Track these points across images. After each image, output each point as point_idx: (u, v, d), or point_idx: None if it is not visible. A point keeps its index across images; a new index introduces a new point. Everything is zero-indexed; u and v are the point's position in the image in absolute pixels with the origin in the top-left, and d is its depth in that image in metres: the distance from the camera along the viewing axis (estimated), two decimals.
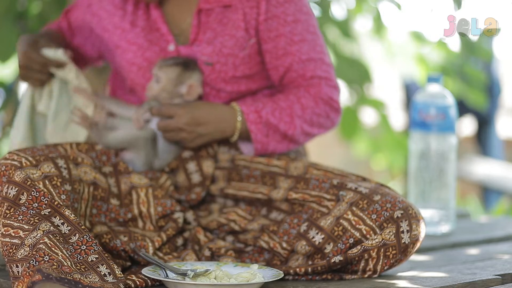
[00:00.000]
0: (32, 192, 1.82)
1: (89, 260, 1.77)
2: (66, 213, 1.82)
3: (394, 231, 1.89)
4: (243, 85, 2.16)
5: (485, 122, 5.88)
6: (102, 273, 1.76)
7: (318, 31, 2.20)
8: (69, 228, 1.81)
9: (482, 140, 5.99)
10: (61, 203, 1.83)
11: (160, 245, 1.98)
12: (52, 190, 1.85)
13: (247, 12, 2.12)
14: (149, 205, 2.02)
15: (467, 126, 6.35)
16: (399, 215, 1.90)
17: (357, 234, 1.91)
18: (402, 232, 1.89)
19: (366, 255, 1.90)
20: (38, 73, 2.13)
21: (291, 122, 2.12)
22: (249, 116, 2.10)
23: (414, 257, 2.16)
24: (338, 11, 4.01)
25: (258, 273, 1.84)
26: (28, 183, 1.83)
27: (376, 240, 1.89)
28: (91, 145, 2.05)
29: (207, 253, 1.99)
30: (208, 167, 2.12)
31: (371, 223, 1.91)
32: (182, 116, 2.06)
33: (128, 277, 1.83)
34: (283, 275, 1.85)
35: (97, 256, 1.78)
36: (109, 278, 1.76)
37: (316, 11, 3.86)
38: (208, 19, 2.13)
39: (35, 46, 2.13)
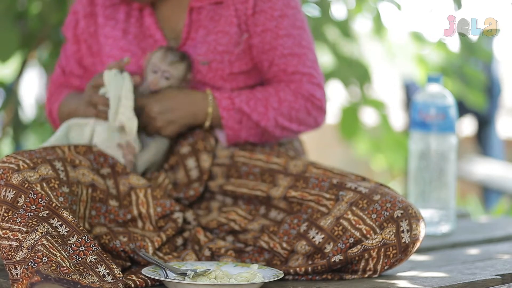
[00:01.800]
0: (30, 195, 1.82)
1: (88, 261, 1.77)
2: (64, 214, 1.82)
3: (394, 231, 1.89)
4: (241, 82, 2.16)
5: (485, 122, 5.89)
6: (101, 274, 1.76)
7: (306, 25, 2.19)
8: (67, 229, 1.81)
9: (482, 140, 5.99)
10: (59, 205, 1.83)
11: (159, 245, 1.98)
12: (49, 192, 1.85)
13: (239, 8, 2.12)
14: (148, 205, 2.02)
15: (467, 126, 6.36)
16: (399, 215, 1.90)
17: (357, 234, 1.91)
18: (402, 231, 1.89)
19: (366, 254, 1.90)
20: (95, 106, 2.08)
21: (265, 113, 2.12)
22: (222, 102, 2.10)
23: (414, 257, 2.16)
24: (338, 11, 4.01)
25: (258, 273, 1.84)
26: (25, 186, 1.83)
27: (376, 240, 1.89)
28: (89, 147, 2.05)
29: (207, 253, 1.99)
30: (205, 161, 2.11)
31: (371, 223, 1.91)
32: (153, 105, 2.07)
33: (128, 277, 1.83)
34: (283, 275, 1.85)
35: (96, 256, 1.78)
36: (108, 279, 1.76)
37: (316, 11, 3.86)
38: (199, 17, 2.13)
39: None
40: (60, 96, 2.26)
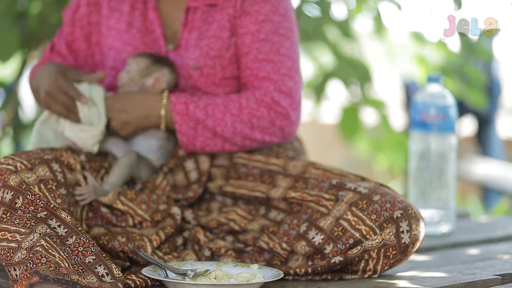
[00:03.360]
0: (28, 196, 1.82)
1: (87, 261, 1.77)
2: (63, 215, 1.82)
3: (394, 231, 1.89)
4: (234, 86, 2.14)
5: (485, 122, 5.88)
6: (100, 274, 1.76)
7: (292, 35, 2.14)
8: (66, 230, 1.81)
9: (482, 140, 5.99)
10: (56, 206, 1.83)
11: (158, 244, 1.98)
12: (47, 194, 1.85)
13: (229, 12, 2.11)
14: (135, 211, 2.01)
15: (467, 126, 6.35)
16: (399, 215, 1.90)
17: (357, 235, 1.91)
18: (402, 232, 1.89)
19: (366, 255, 1.89)
20: (59, 104, 2.04)
21: (221, 119, 2.06)
22: (176, 107, 2.06)
23: (414, 257, 2.16)
24: (338, 11, 4.01)
25: (258, 273, 1.84)
26: (23, 187, 1.83)
27: (376, 241, 1.89)
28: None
29: (207, 253, 1.99)
30: (203, 163, 2.11)
31: (371, 223, 1.91)
32: (107, 106, 2.05)
33: (128, 277, 1.83)
34: (283, 275, 1.85)
35: (94, 257, 1.78)
36: (107, 279, 1.76)
37: (316, 11, 3.86)
38: (194, 17, 2.13)
39: (65, 75, 2.05)
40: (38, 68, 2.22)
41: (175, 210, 2.03)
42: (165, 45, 2.14)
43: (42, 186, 1.86)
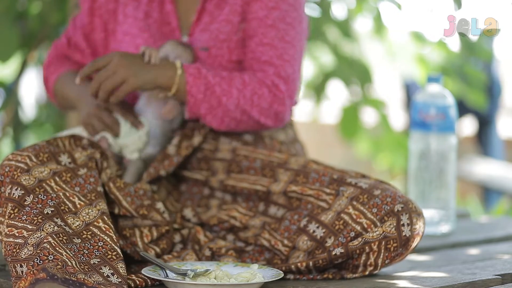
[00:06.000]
0: (39, 195, 1.82)
1: (92, 263, 1.77)
2: (69, 221, 1.82)
3: (394, 224, 1.89)
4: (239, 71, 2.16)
5: (485, 122, 5.89)
6: (105, 275, 1.75)
7: (298, 25, 2.17)
8: (72, 231, 1.81)
9: (483, 140, 5.99)
10: (67, 210, 1.83)
11: (150, 241, 1.97)
12: (64, 186, 1.85)
13: None
14: (120, 200, 1.99)
15: (467, 126, 6.36)
16: (400, 209, 1.90)
17: (358, 228, 1.91)
18: (403, 225, 1.89)
19: (367, 248, 1.89)
20: (101, 123, 2.10)
21: (228, 90, 2.08)
22: (189, 69, 2.06)
23: (414, 257, 2.16)
24: (338, 11, 4.02)
25: (258, 273, 1.84)
26: (34, 184, 1.83)
27: (377, 233, 1.89)
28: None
29: (207, 253, 1.99)
30: (196, 139, 2.12)
31: (372, 217, 1.91)
32: (115, 58, 2.03)
33: (128, 277, 1.83)
34: (283, 275, 1.85)
35: (99, 259, 1.78)
36: (113, 278, 1.76)
37: (316, 11, 3.86)
38: (209, 5, 2.15)
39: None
40: (59, 69, 2.26)
41: (159, 205, 2.02)
42: (180, 36, 2.16)
43: (57, 179, 1.87)
